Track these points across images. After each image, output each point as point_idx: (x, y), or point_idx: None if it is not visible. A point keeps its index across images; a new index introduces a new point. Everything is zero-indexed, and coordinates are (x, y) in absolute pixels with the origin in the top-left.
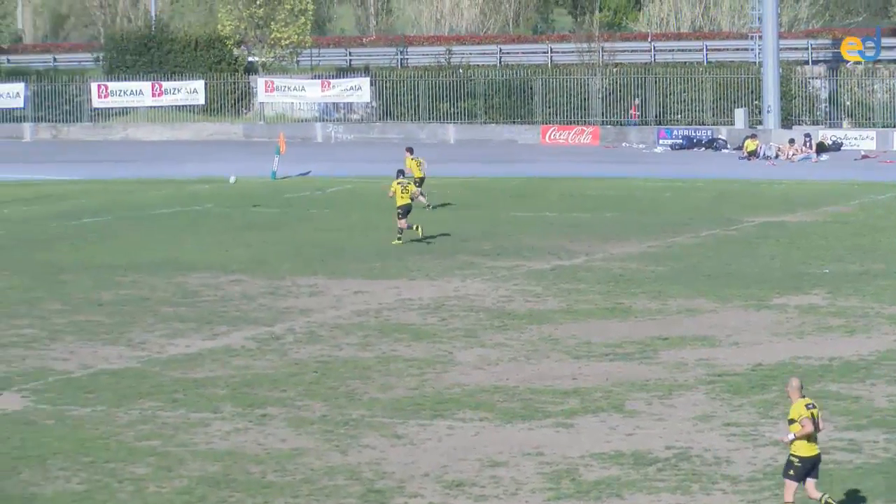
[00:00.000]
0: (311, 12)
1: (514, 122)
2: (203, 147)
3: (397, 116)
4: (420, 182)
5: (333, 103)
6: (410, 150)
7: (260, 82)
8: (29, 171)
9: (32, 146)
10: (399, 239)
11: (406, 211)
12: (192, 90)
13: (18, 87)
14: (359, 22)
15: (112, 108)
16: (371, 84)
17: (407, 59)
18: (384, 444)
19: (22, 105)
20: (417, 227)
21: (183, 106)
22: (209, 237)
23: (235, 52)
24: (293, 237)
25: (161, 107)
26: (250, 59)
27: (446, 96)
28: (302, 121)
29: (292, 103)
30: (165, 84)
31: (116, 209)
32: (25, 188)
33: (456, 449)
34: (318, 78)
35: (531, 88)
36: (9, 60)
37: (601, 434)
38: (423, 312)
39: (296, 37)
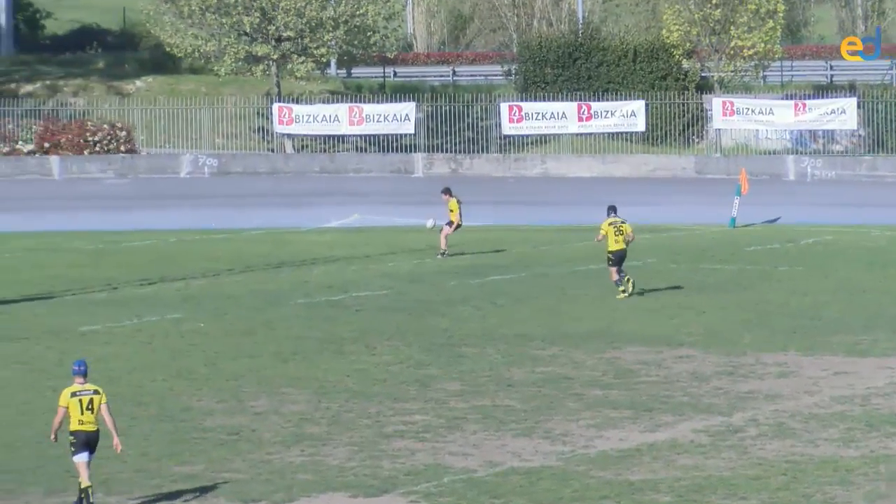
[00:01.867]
0: (781, 14)
1: None
2: (643, 185)
3: (892, 148)
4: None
5: (810, 131)
6: (449, 192)
7: (716, 103)
8: (422, 213)
9: (425, 183)
10: (624, 291)
11: (619, 258)
12: (629, 113)
13: (408, 107)
14: (842, 26)
15: (527, 136)
16: (858, 106)
17: None
18: None
19: (412, 130)
20: (629, 281)
21: (617, 133)
22: (649, 301)
23: (685, 64)
24: (757, 301)
25: (589, 134)
26: (703, 73)
27: None
28: (769, 153)
29: (757, 130)
30: (595, 105)
31: (532, 264)
32: (417, 236)
33: None
34: (791, 98)
35: None
36: (396, 74)
37: None
38: None
39: (762, 45)
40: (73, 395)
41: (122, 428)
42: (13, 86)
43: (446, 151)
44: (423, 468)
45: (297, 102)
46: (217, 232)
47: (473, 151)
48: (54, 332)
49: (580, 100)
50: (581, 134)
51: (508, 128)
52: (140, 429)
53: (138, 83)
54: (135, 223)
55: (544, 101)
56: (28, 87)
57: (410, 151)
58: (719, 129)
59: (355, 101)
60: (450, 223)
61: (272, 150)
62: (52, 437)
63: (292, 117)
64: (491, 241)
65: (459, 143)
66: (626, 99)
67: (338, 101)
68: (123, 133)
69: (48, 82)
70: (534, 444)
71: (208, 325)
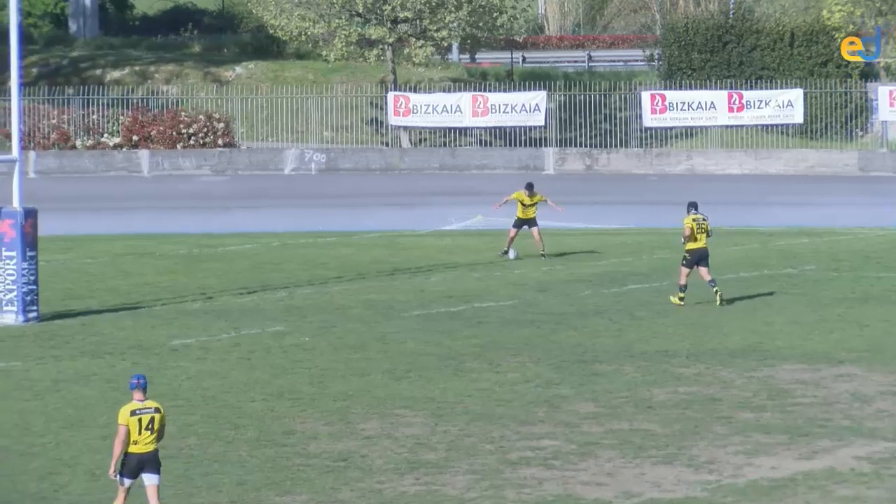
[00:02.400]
0: None
1: None
2: (800, 184)
3: None
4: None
5: None
6: (531, 188)
7: (882, 92)
8: (552, 214)
9: (556, 181)
10: (682, 299)
11: (698, 257)
12: (785, 103)
13: (538, 96)
14: None
15: (671, 128)
16: None
17: None
18: None
19: (542, 122)
20: (717, 292)
21: (772, 125)
22: (806, 313)
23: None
24: None
25: (741, 126)
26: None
27: None
28: None
29: None
30: (747, 94)
31: (674, 272)
32: (546, 239)
33: None
34: None
35: None
36: (525, 59)
37: None
38: None
39: None
40: (133, 413)
41: (217, 453)
42: (98, 72)
43: (580, 146)
44: (551, 499)
45: (415, 91)
46: (324, 235)
47: (611, 146)
48: (142, 346)
49: (731, 88)
50: (731, 126)
51: (650, 119)
52: (237, 454)
53: (238, 70)
54: (233, 225)
55: (691, 89)
56: (115, 74)
57: (540, 146)
58: (886, 122)
59: (479, 90)
60: (525, 224)
61: (386, 145)
62: (112, 471)
63: (409, 108)
64: (629, 246)
65: (595, 136)
66: (781, 87)
67: (460, 90)
68: (221, 125)
69: (137, 68)
70: (676, 473)
71: (314, 339)
